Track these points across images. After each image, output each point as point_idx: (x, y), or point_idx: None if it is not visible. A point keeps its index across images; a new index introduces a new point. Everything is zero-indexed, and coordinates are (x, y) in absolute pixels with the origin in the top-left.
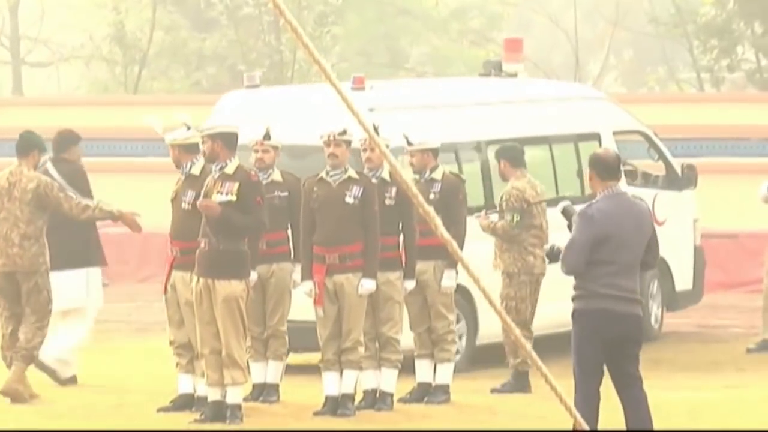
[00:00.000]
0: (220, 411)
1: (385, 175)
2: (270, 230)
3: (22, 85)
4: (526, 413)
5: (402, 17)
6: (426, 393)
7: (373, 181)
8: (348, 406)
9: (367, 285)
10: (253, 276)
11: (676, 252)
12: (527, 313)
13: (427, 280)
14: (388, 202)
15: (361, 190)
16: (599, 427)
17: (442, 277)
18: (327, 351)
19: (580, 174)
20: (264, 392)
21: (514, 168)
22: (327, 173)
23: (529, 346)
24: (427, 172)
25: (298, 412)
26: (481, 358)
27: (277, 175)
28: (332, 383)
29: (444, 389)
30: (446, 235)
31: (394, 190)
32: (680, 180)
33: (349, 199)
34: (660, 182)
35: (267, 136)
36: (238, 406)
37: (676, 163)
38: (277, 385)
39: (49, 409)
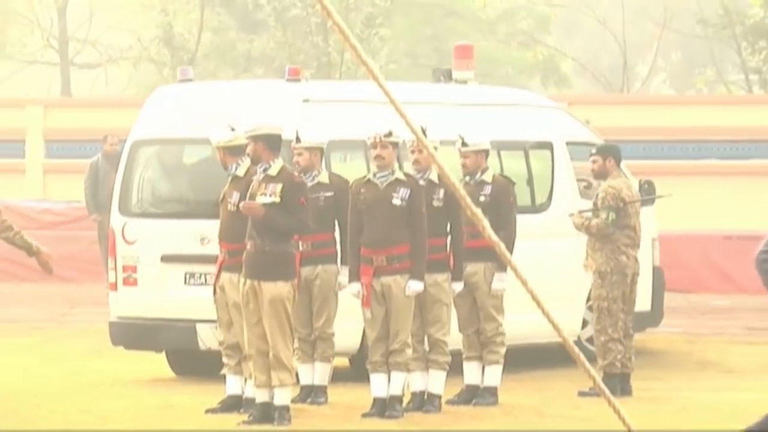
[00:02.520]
0: (268, 412)
1: (433, 176)
2: (316, 232)
3: (70, 87)
4: (574, 415)
5: (450, 19)
6: (474, 395)
7: (421, 182)
8: (396, 407)
9: (414, 286)
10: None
11: None
12: (620, 314)
13: (477, 282)
14: (436, 203)
15: (408, 192)
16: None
17: (492, 279)
18: (375, 353)
19: (530, 182)
20: (312, 394)
21: (617, 167)
22: (374, 175)
23: (578, 349)
24: (478, 174)
25: (346, 414)
26: (527, 360)
27: (323, 177)
28: (380, 385)
29: (492, 391)
30: (494, 237)
31: (441, 191)
32: None
33: (396, 201)
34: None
35: (297, 139)
36: (286, 408)
37: (634, 180)
38: (325, 387)
39: (98, 410)
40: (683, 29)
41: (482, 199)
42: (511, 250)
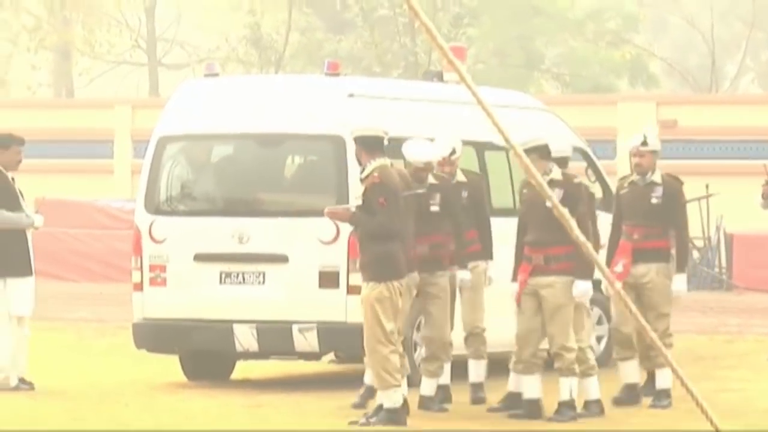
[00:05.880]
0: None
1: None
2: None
3: (158, 87)
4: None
5: (537, 18)
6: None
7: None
8: (564, 412)
9: (581, 286)
10: (414, 277)
11: None
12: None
13: (651, 283)
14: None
15: (561, 193)
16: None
17: (667, 280)
18: (522, 351)
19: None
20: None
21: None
22: None
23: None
24: (648, 174)
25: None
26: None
27: (460, 176)
28: (524, 384)
29: (666, 393)
30: (581, 238)
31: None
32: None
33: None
34: (597, 204)
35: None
36: (394, 410)
37: (613, 185)
38: (482, 384)
39: (186, 409)
40: None
41: (654, 201)
42: (685, 254)
